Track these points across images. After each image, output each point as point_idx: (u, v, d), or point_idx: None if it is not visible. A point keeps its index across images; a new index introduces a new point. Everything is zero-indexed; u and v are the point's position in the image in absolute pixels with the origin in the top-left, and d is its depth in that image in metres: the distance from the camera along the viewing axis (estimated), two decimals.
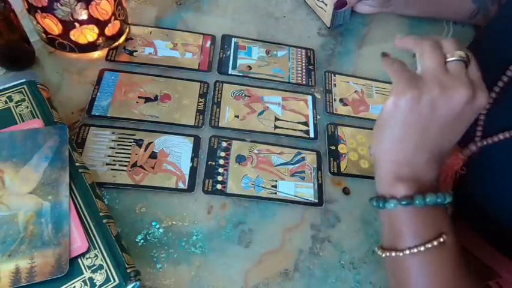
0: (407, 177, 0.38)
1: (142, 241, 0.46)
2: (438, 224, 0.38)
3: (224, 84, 0.60)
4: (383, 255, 0.40)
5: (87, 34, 0.55)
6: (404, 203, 0.37)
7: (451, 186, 0.52)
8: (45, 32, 0.54)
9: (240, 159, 0.54)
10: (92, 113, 0.53)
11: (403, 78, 0.37)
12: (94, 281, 0.39)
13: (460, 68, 0.37)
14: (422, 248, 0.37)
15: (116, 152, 0.51)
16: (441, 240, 0.37)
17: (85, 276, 0.39)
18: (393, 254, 0.38)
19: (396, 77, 0.38)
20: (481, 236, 0.51)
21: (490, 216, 0.48)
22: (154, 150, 0.52)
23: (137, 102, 0.55)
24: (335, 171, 0.55)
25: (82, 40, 0.55)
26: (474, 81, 0.37)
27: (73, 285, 0.38)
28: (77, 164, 0.45)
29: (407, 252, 0.37)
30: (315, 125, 0.59)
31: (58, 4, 0.50)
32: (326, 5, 0.68)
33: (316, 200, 0.52)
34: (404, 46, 0.41)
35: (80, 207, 0.42)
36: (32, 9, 0.52)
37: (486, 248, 0.50)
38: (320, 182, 0.54)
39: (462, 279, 0.38)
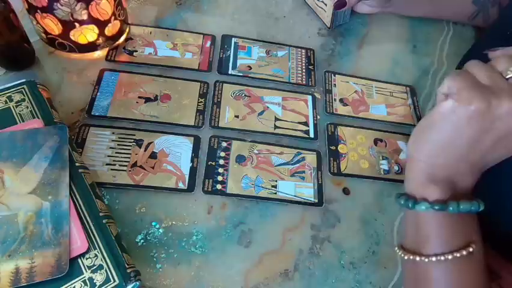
0: (441, 180, 0.36)
1: (142, 241, 0.46)
2: (468, 232, 0.37)
3: (224, 84, 0.60)
4: (406, 257, 0.38)
5: (87, 34, 0.55)
6: (436, 207, 0.35)
7: None
8: (45, 32, 0.54)
9: (240, 159, 0.53)
10: (92, 113, 0.53)
11: (471, 83, 0.34)
12: (94, 281, 0.39)
13: None
14: (450, 257, 0.35)
15: (116, 152, 0.51)
16: (470, 250, 0.35)
17: (84, 276, 0.39)
18: (417, 258, 0.37)
19: (462, 81, 0.34)
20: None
21: (490, 220, 0.48)
22: (154, 150, 0.52)
23: (137, 102, 0.55)
24: (335, 171, 0.55)
25: (82, 40, 0.55)
26: None
27: (73, 285, 0.38)
28: (77, 164, 0.45)
29: (433, 259, 0.36)
30: (315, 125, 0.59)
31: (58, 4, 0.50)
32: (326, 5, 0.68)
33: (316, 200, 0.52)
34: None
35: (80, 207, 0.42)
36: (32, 9, 0.52)
37: (488, 251, 0.50)
38: (319, 182, 0.54)
39: None
